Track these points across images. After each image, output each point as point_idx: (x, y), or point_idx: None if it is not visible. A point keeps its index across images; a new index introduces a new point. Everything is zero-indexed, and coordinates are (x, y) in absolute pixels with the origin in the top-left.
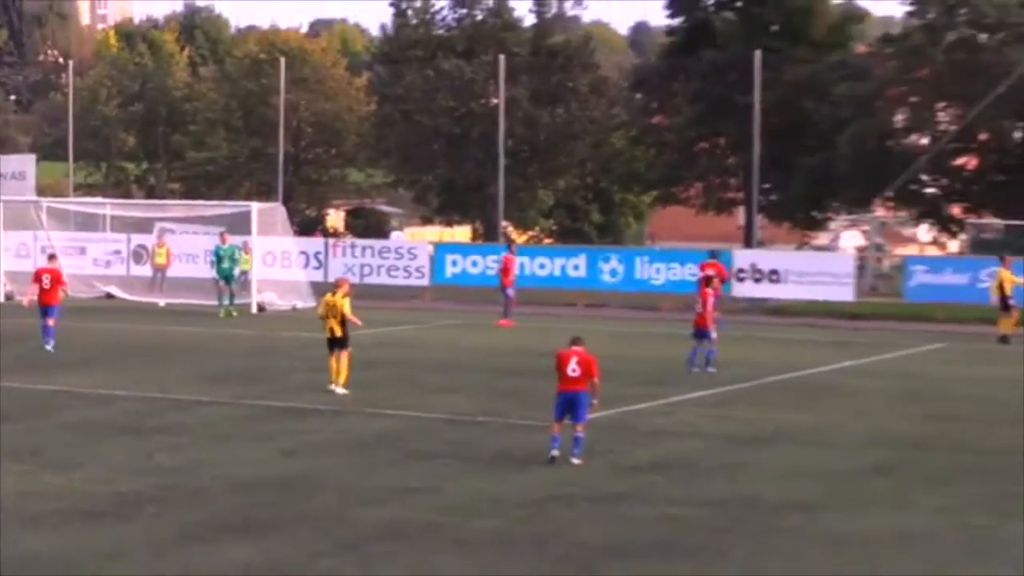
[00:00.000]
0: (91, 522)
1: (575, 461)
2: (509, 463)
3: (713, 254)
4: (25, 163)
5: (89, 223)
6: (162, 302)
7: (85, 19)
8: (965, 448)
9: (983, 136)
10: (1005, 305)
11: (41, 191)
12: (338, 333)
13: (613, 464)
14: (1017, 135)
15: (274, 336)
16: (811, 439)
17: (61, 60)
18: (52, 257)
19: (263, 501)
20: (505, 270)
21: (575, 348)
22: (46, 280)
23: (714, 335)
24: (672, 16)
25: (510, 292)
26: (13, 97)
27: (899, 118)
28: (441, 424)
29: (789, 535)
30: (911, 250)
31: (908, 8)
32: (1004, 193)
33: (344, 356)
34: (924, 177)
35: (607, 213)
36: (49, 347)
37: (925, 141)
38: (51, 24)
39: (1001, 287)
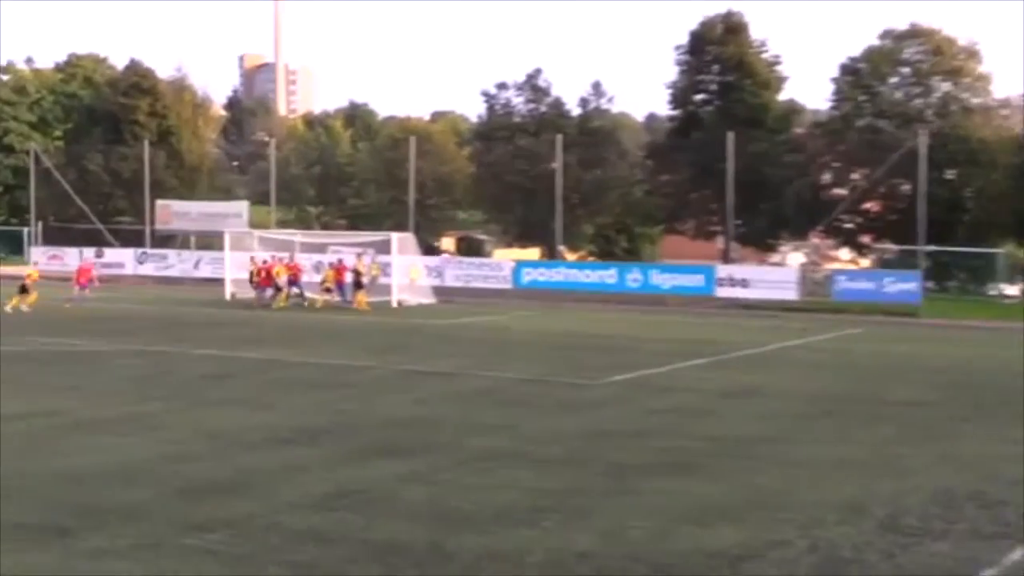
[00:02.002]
0: (285, 447)
1: None
2: (566, 408)
3: None
4: (242, 207)
5: (285, 247)
6: (393, 301)
7: (282, 111)
8: (880, 401)
9: (882, 189)
10: None
11: (252, 225)
12: None
13: (638, 409)
14: (905, 188)
15: (409, 323)
16: (772, 393)
17: (266, 139)
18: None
19: (403, 434)
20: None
21: None
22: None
23: None
24: (673, 108)
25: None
26: (235, 163)
27: (826, 177)
28: (520, 383)
29: (760, 460)
30: (836, 265)
31: (831, 103)
32: (898, 227)
33: None
34: (844, 216)
35: (631, 241)
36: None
37: (844, 192)
38: (260, 114)
39: None
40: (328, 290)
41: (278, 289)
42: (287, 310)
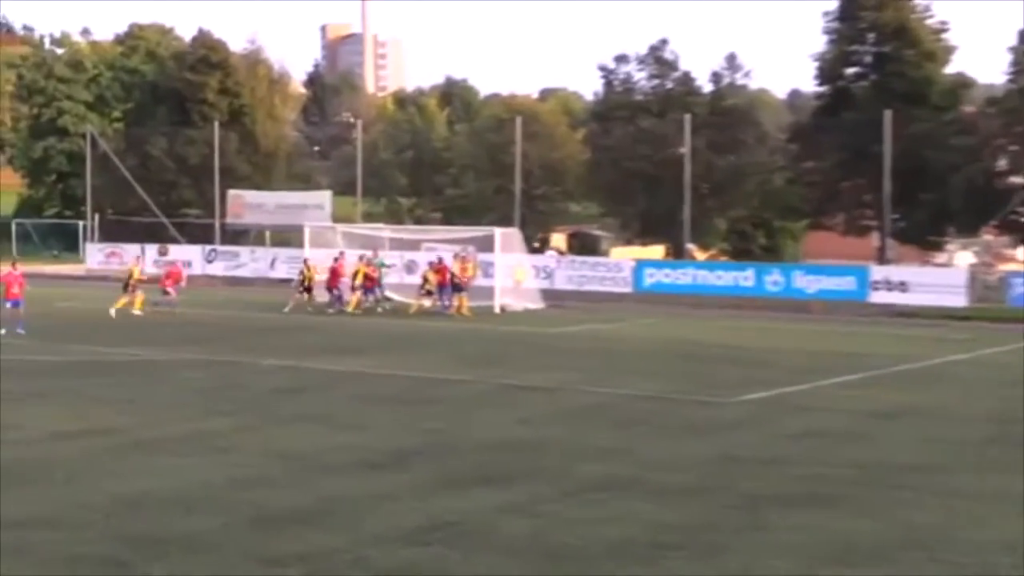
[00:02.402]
0: (373, 471)
1: None
2: (693, 430)
3: None
4: (324, 197)
5: (373, 243)
6: (495, 306)
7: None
8: None
9: None
10: None
11: (335, 219)
12: None
13: (773, 432)
14: None
15: (512, 330)
16: (931, 415)
17: (352, 120)
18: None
19: (503, 458)
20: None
21: None
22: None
23: None
24: (820, 84)
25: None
26: (316, 148)
27: (1001, 163)
28: (638, 399)
29: (915, 492)
30: (1012, 266)
31: (1008, 76)
32: None
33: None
34: (1021, 209)
35: (770, 237)
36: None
37: (1022, 181)
38: (345, 93)
39: None
40: (429, 293)
41: (336, 294)
42: (362, 315)
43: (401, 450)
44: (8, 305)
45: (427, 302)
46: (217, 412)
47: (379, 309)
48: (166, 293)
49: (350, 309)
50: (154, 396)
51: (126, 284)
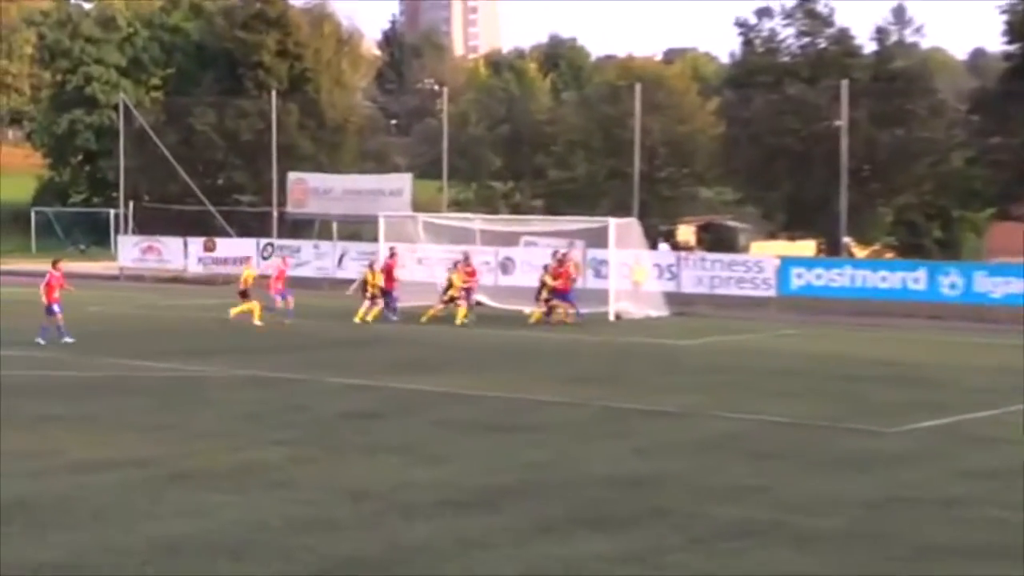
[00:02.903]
0: (460, 512)
1: None
2: (847, 465)
3: None
4: (402, 181)
5: (461, 237)
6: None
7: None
8: None
9: None
10: None
11: (416, 207)
12: None
13: (946, 469)
14: None
15: (629, 342)
16: None
17: (436, 87)
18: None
19: (618, 496)
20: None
21: None
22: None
23: None
24: (1009, 43)
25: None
26: (393, 121)
27: None
28: (781, 427)
29: None
30: None
31: None
32: None
33: None
34: None
35: (947, 230)
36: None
37: None
38: (428, 55)
39: None
40: (548, 300)
41: (394, 299)
42: (438, 324)
43: (493, 487)
44: (56, 310)
45: (555, 311)
46: (273, 440)
47: (466, 322)
48: (281, 296)
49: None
50: (198, 420)
51: (244, 291)
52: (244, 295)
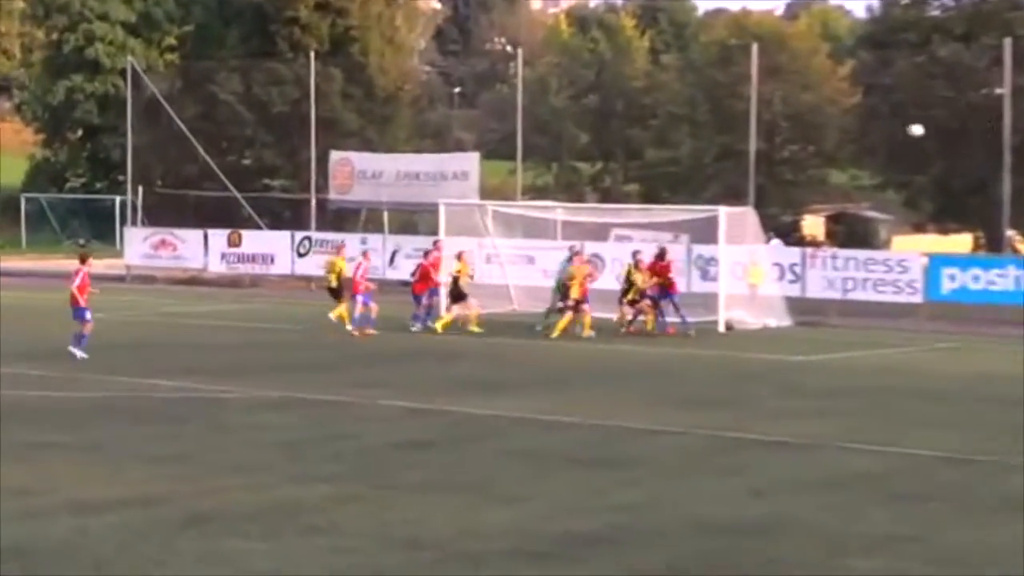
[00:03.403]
0: (535, 564)
1: None
2: (1012, 510)
3: None
4: (468, 162)
5: (538, 229)
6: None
7: (536, 2)
8: None
9: None
10: None
11: (485, 193)
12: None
13: None
14: None
15: (742, 358)
16: None
17: (508, 48)
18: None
19: (730, 545)
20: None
21: None
22: None
23: None
24: None
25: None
26: (457, 89)
27: None
28: (932, 462)
29: None
30: None
31: None
32: None
33: None
34: None
35: None
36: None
37: None
38: (498, 10)
39: None
40: (654, 305)
41: (425, 304)
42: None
43: (575, 534)
44: (87, 317)
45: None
46: (310, 475)
47: (537, 327)
48: (364, 302)
49: (438, 327)
50: (220, 450)
51: (337, 288)
52: (336, 293)
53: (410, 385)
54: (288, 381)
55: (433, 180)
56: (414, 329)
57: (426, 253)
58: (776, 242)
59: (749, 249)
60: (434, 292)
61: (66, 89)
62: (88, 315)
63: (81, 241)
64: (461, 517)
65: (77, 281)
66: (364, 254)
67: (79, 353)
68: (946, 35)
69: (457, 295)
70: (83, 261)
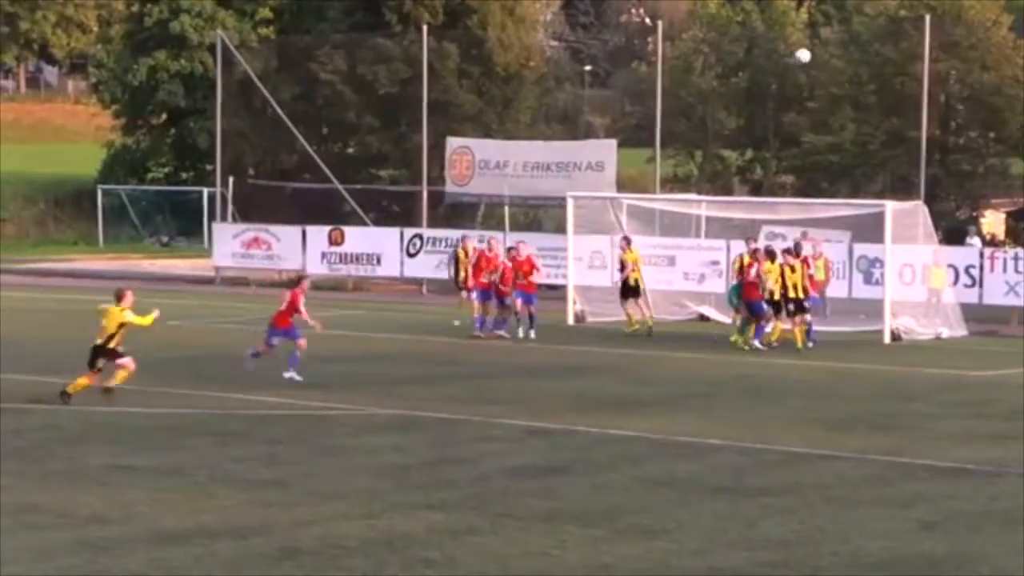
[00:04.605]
0: None
1: None
2: None
3: None
4: (605, 151)
5: (679, 226)
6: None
7: None
8: None
9: None
10: None
11: (620, 185)
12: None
13: None
14: None
15: (910, 372)
16: None
17: (648, 21)
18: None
19: None
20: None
21: None
22: None
23: None
24: None
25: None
26: (588, 68)
27: None
28: None
29: None
30: None
31: None
32: None
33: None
34: None
35: None
36: None
37: None
38: None
39: None
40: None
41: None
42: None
43: (722, 570)
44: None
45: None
46: (422, 503)
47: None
48: (503, 305)
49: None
50: (319, 474)
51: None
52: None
53: (534, 402)
54: (399, 397)
55: (565, 171)
56: (525, 335)
57: (508, 250)
58: (975, 241)
59: (928, 250)
60: (485, 295)
61: (148, 68)
62: (297, 332)
63: (164, 239)
64: (589, 551)
65: (283, 306)
66: (489, 242)
67: (296, 376)
68: None
69: (628, 291)
70: (298, 284)
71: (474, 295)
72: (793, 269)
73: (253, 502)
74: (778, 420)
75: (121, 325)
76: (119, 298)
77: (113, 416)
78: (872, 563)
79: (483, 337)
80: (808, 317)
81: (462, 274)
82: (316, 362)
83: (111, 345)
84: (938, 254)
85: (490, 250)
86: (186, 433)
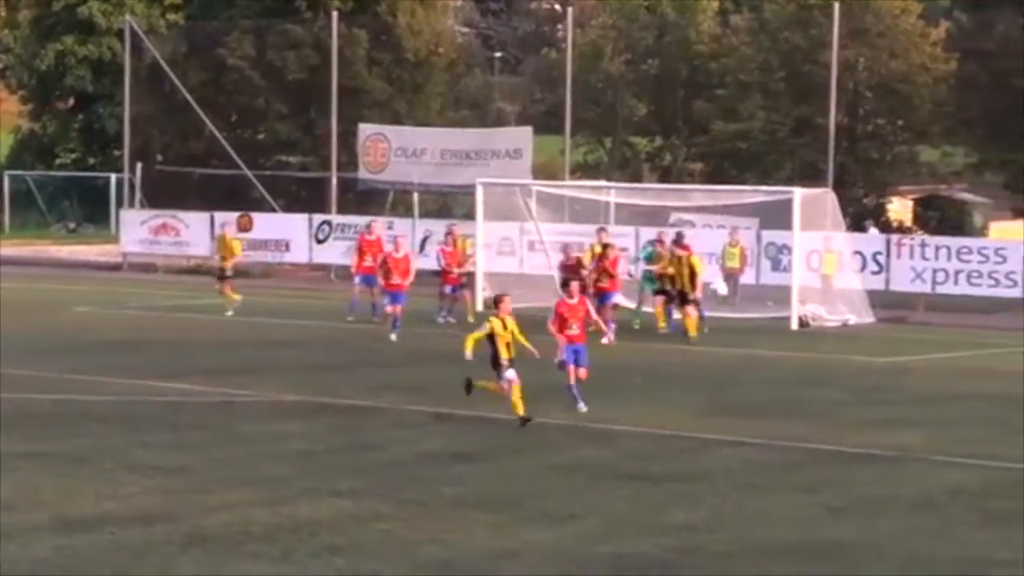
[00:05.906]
0: None
1: None
2: None
3: None
4: (522, 138)
5: (588, 213)
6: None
7: None
8: None
9: None
10: None
11: (537, 172)
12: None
13: None
14: None
15: (818, 359)
16: None
17: (557, 7)
18: None
19: (802, 572)
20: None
21: None
22: None
23: None
24: None
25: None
26: (499, 54)
27: None
28: None
29: None
30: None
31: None
32: None
33: None
34: None
35: None
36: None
37: None
38: None
39: None
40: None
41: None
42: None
43: (629, 557)
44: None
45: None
46: (329, 490)
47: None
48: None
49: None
50: (225, 461)
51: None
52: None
53: (444, 388)
54: (305, 384)
55: (483, 159)
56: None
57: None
58: (873, 231)
59: (827, 237)
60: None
61: (56, 53)
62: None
63: (71, 225)
64: (498, 537)
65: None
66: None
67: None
68: None
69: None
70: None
71: (357, 279)
72: (680, 260)
73: (160, 489)
74: (686, 407)
75: None
76: None
77: (20, 403)
78: (780, 549)
79: (352, 320)
80: (690, 309)
81: (367, 261)
82: (223, 349)
83: None
84: (829, 240)
85: (370, 233)
86: (94, 420)
